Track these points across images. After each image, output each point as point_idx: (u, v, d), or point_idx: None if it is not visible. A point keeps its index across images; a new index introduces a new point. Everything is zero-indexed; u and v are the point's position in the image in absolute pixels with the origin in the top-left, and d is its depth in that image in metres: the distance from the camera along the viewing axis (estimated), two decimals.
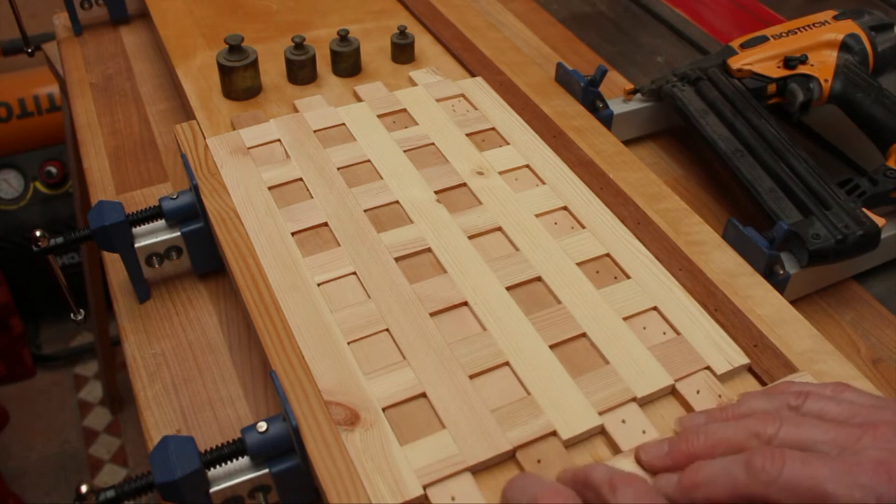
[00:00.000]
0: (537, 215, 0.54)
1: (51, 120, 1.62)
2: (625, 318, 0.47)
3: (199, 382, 0.51)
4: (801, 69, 0.66)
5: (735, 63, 0.67)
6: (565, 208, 0.55)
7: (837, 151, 0.71)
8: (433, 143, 0.60)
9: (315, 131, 0.61)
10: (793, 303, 0.50)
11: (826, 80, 0.65)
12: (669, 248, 0.52)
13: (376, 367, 0.44)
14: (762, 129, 0.62)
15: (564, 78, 0.68)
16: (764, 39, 0.68)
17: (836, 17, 0.69)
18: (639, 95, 0.71)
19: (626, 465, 0.40)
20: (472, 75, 0.69)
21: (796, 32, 0.69)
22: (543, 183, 0.57)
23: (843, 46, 0.67)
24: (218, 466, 0.41)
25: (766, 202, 0.58)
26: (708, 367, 0.45)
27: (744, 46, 0.69)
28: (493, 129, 0.62)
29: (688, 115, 0.66)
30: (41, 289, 1.65)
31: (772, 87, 0.67)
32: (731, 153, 0.62)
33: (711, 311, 0.48)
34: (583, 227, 0.54)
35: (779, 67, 0.67)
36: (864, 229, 0.54)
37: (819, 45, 0.67)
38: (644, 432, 0.42)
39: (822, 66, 0.66)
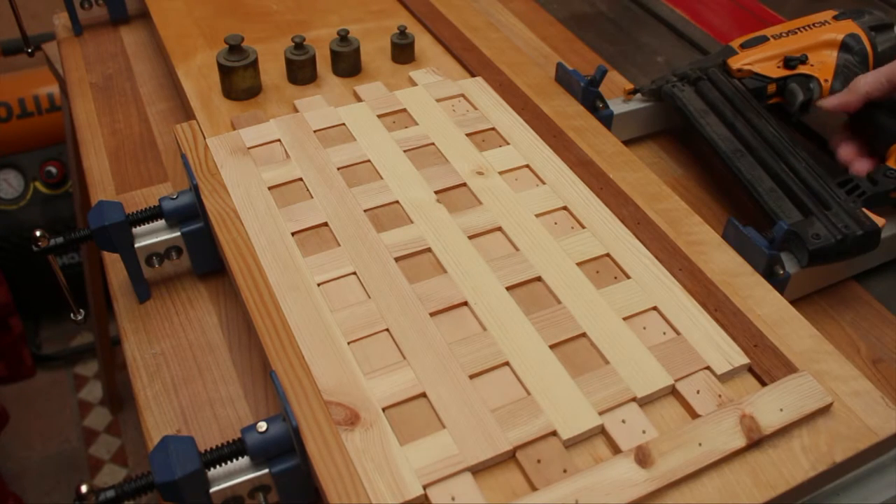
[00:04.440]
0: (537, 215, 0.54)
1: (51, 120, 1.61)
2: (625, 318, 0.47)
3: (199, 382, 0.51)
4: (801, 69, 0.66)
5: (735, 63, 0.67)
6: (565, 208, 0.55)
7: None
8: (433, 143, 0.60)
9: (315, 131, 0.61)
10: (793, 303, 0.50)
11: (826, 80, 0.65)
12: (669, 248, 0.52)
13: (376, 367, 0.44)
14: (762, 129, 0.62)
15: (564, 78, 0.68)
16: (764, 39, 0.68)
17: (836, 17, 0.69)
18: (639, 95, 0.71)
19: (626, 465, 0.40)
20: (472, 75, 0.69)
21: (796, 32, 0.69)
22: (543, 183, 0.57)
23: (843, 46, 0.67)
24: (218, 466, 0.41)
25: (766, 202, 0.58)
26: (708, 367, 0.45)
27: (744, 46, 0.69)
28: (493, 129, 0.62)
29: (688, 115, 0.66)
30: (41, 289, 1.65)
31: (772, 87, 0.67)
32: (731, 153, 0.62)
33: (711, 311, 0.48)
34: (583, 227, 0.54)
35: (779, 67, 0.67)
36: (864, 229, 0.54)
37: (819, 45, 0.67)
38: (644, 432, 0.42)
39: (822, 66, 0.66)
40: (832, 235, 0.54)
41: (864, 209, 0.56)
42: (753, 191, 0.59)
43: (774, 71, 0.67)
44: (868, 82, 0.61)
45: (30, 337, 1.70)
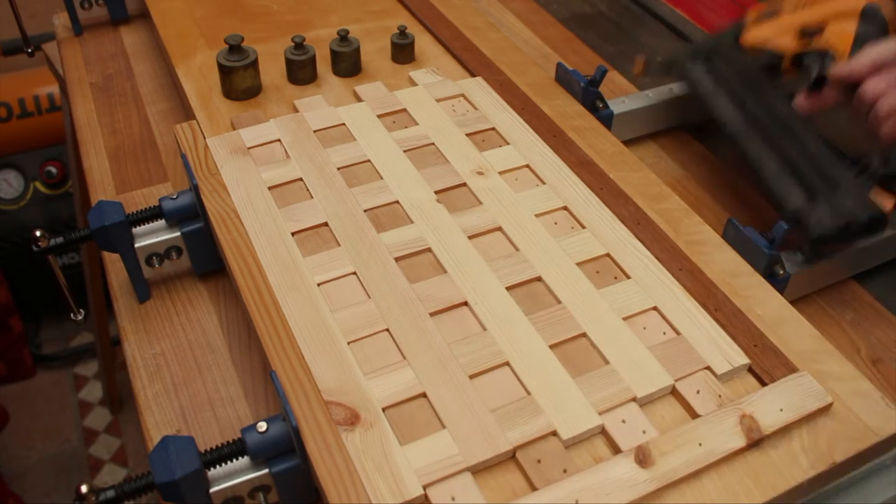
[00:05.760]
0: (537, 215, 0.54)
1: (51, 120, 1.61)
2: (625, 318, 0.47)
3: (199, 382, 0.51)
4: (818, 41, 0.63)
5: (748, 38, 0.66)
6: (565, 208, 0.55)
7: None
8: (433, 143, 0.60)
9: (315, 131, 0.61)
10: (793, 303, 0.50)
11: (843, 53, 0.63)
12: (669, 248, 0.52)
13: (376, 367, 0.44)
14: (774, 107, 0.60)
15: (564, 78, 0.68)
16: (778, 13, 0.66)
17: None
18: (640, 94, 0.71)
19: (626, 465, 0.40)
20: (472, 75, 0.69)
21: (812, 4, 0.66)
22: (543, 183, 0.57)
23: (864, 15, 0.64)
24: (218, 466, 0.41)
25: (771, 185, 0.57)
26: (708, 367, 0.45)
27: (758, 21, 0.67)
28: (493, 129, 0.62)
29: (698, 92, 0.64)
30: (41, 289, 1.64)
31: (786, 63, 0.65)
32: (741, 132, 0.60)
33: (711, 311, 0.48)
34: (583, 227, 0.54)
35: (795, 41, 0.64)
36: (869, 214, 0.53)
37: (837, 15, 0.64)
38: (644, 432, 0.42)
39: (841, 36, 0.63)
40: (836, 220, 0.53)
41: (871, 194, 0.54)
42: (760, 172, 0.58)
43: (789, 45, 0.64)
44: (878, 50, 0.57)
45: (30, 337, 1.70)
